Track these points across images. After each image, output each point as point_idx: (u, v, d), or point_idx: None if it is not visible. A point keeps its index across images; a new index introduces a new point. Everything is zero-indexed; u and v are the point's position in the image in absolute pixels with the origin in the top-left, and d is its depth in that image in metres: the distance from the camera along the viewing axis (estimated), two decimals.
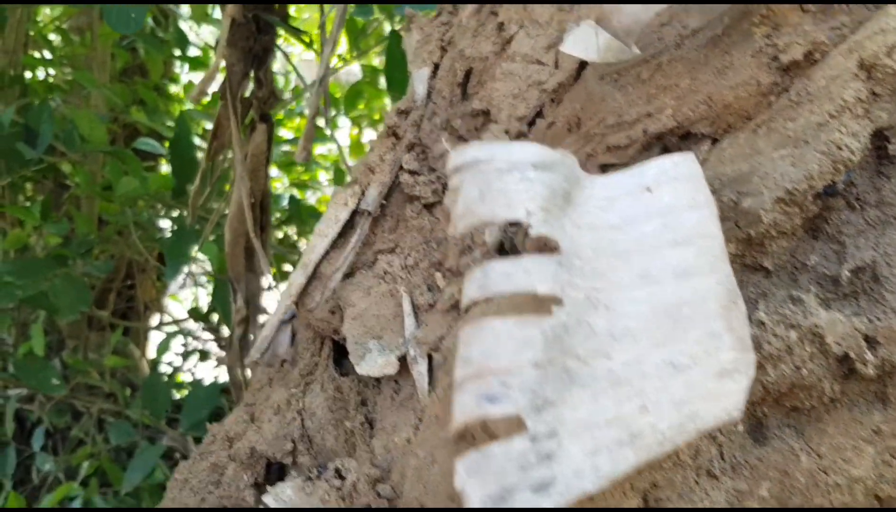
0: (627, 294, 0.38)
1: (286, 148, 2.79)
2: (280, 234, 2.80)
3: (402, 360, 0.60)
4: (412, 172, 0.66)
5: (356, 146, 2.96)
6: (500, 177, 0.34)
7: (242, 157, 1.40)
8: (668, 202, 0.41)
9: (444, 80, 0.71)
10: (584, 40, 0.53)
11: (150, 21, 2.29)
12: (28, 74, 2.36)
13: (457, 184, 0.35)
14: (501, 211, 0.33)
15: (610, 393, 0.35)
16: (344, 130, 3.05)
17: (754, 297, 0.49)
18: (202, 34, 2.22)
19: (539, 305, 0.34)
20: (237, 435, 0.72)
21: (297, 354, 0.76)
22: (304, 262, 0.68)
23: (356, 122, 2.92)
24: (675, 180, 0.42)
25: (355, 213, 0.68)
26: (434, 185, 0.66)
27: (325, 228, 0.68)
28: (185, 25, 2.33)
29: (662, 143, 0.55)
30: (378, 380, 0.64)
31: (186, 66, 2.80)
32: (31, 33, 2.09)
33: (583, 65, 0.60)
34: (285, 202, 2.83)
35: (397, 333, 0.62)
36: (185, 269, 2.25)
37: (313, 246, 0.68)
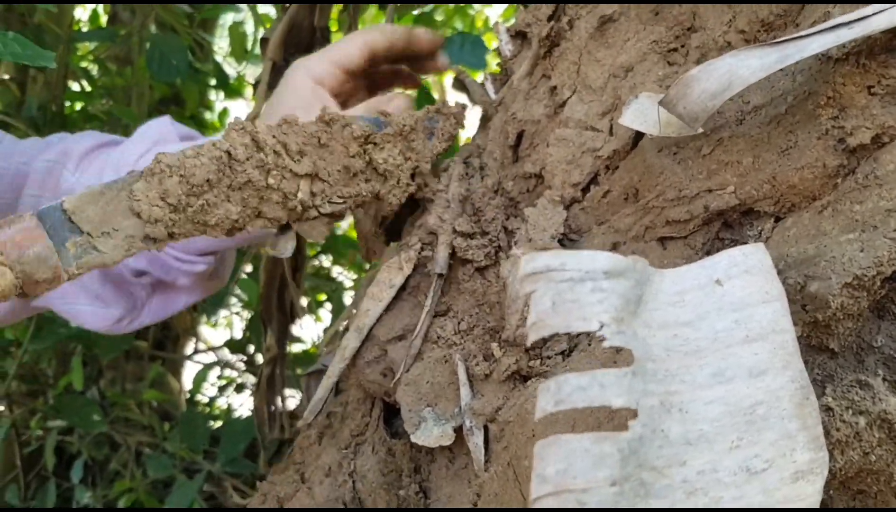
0: (701, 395, 0.37)
1: None
2: (315, 263, 2.81)
3: (458, 430, 0.60)
4: (465, 235, 0.66)
5: None
6: (572, 287, 0.34)
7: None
8: (741, 296, 0.41)
9: (496, 142, 0.72)
10: (644, 113, 0.53)
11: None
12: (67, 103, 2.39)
13: (528, 291, 0.34)
14: (575, 322, 0.33)
15: (687, 504, 0.34)
16: None
17: (820, 379, 0.48)
18: (240, 69, 2.25)
19: (615, 418, 0.33)
20: (287, 496, 0.72)
21: (348, 414, 0.76)
22: (358, 325, 0.68)
23: None
24: (747, 273, 0.41)
25: (409, 278, 0.68)
26: (487, 249, 0.66)
27: (379, 292, 0.68)
28: (219, 56, 2.36)
29: (724, 219, 0.54)
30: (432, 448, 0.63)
31: (221, 93, 2.84)
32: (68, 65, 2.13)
33: (639, 134, 0.60)
34: None
35: (452, 402, 0.62)
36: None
37: (366, 310, 0.68)
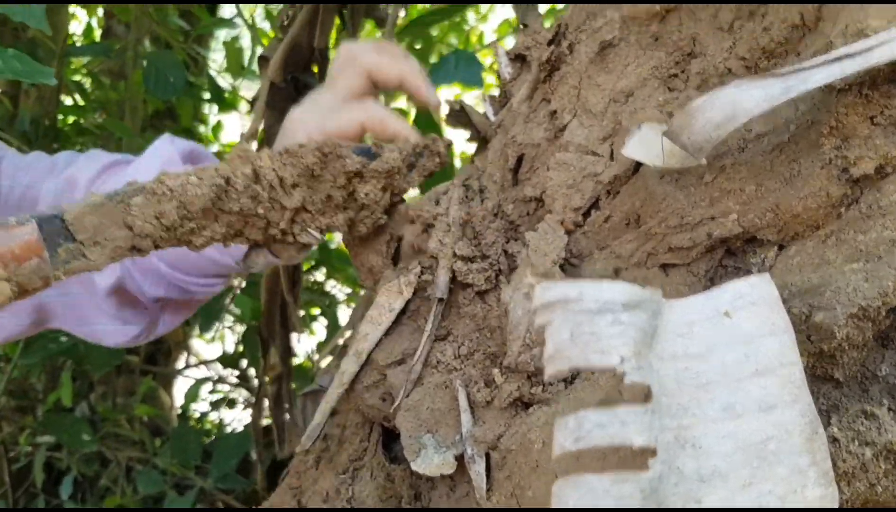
0: (714, 430, 0.37)
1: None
2: (310, 278, 2.81)
3: (459, 458, 0.59)
4: (466, 259, 0.66)
5: None
6: (591, 319, 0.34)
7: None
8: (748, 329, 0.40)
9: (496, 164, 0.72)
10: (648, 143, 0.53)
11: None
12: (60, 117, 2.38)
13: (544, 322, 0.34)
14: (595, 357, 0.33)
15: None
16: None
17: (826, 409, 0.48)
18: (235, 83, 2.25)
19: (635, 457, 0.33)
20: None
21: (346, 438, 0.75)
22: (357, 350, 0.68)
23: None
24: (753, 305, 0.41)
25: (409, 302, 0.68)
26: (487, 273, 0.66)
27: (379, 316, 0.67)
28: (213, 71, 2.35)
29: (727, 247, 0.54)
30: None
31: (215, 107, 2.83)
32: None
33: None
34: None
35: (452, 429, 0.62)
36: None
37: (365, 334, 0.68)
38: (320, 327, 3.02)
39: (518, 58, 0.73)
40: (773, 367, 0.40)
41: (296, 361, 2.60)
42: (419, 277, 0.67)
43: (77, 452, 2.11)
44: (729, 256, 0.55)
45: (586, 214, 0.64)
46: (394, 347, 0.68)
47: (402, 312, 0.69)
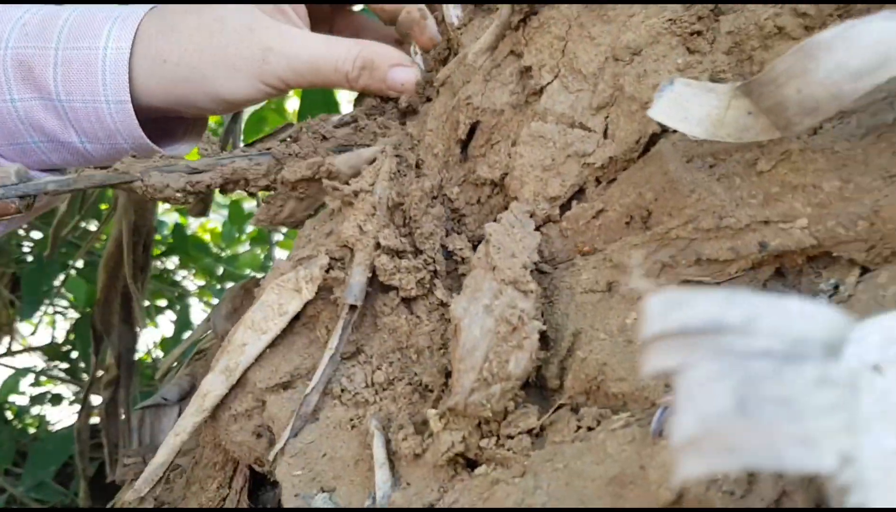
0: None
1: None
2: (158, 264, 2.52)
3: None
4: (392, 252, 0.48)
5: None
6: (777, 372, 0.17)
7: None
8: None
9: (438, 133, 0.54)
10: (687, 105, 0.37)
11: None
12: None
13: (669, 367, 0.17)
14: (794, 452, 0.16)
15: None
16: None
17: None
18: None
19: None
20: None
21: (197, 479, 0.55)
22: (228, 365, 0.48)
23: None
24: None
25: (308, 305, 0.49)
26: (420, 273, 0.48)
27: (263, 321, 0.48)
28: None
29: (780, 263, 0.39)
30: None
31: None
32: None
33: (652, 137, 0.44)
34: (167, 230, 2.56)
35: (360, 487, 0.44)
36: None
37: (242, 343, 0.48)
38: (165, 321, 2.73)
39: None
40: None
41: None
42: (326, 271, 0.49)
43: None
44: (777, 278, 0.40)
45: (565, 207, 0.47)
46: (280, 365, 0.49)
47: (297, 317, 0.50)
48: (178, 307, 2.44)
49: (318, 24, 0.64)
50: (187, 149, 0.65)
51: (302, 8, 0.61)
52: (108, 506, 0.68)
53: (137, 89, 0.57)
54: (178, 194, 0.52)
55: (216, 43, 0.56)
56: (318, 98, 1.13)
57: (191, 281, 2.81)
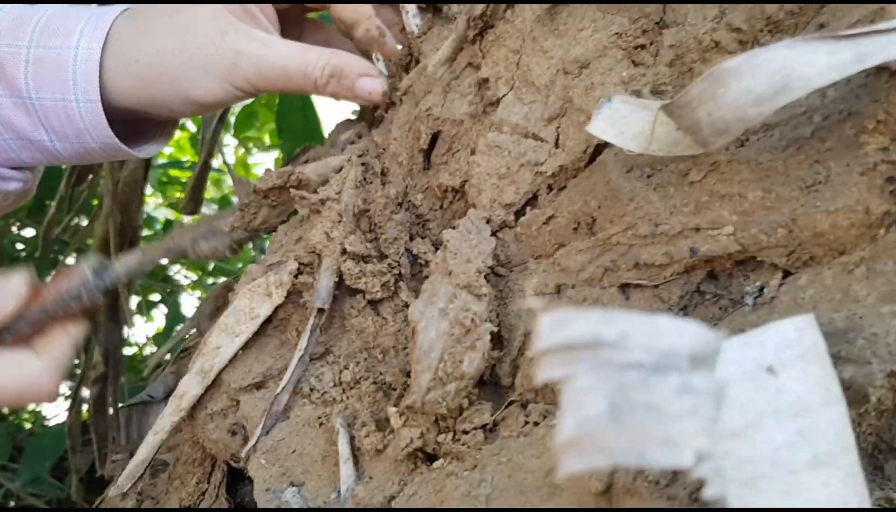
0: None
1: (162, 161, 2.54)
2: None
3: None
4: (358, 257, 0.51)
5: (241, 167, 2.73)
6: (645, 381, 0.20)
7: (113, 184, 1.19)
8: (799, 394, 0.28)
9: (402, 142, 0.56)
10: (621, 121, 0.40)
11: None
12: None
13: (558, 379, 0.20)
14: (656, 452, 0.19)
15: None
16: (229, 148, 2.84)
17: None
18: None
19: None
20: None
21: (178, 475, 0.58)
22: (203, 367, 0.51)
23: (243, 142, 2.72)
24: (802, 358, 0.28)
25: (279, 309, 0.52)
26: (385, 277, 0.51)
27: (236, 324, 0.51)
28: None
29: (711, 268, 0.42)
30: None
31: None
32: None
33: (598, 147, 0.46)
34: (158, 224, 2.57)
35: (327, 482, 0.46)
36: None
37: (216, 346, 0.51)
38: (159, 315, 2.74)
39: (430, 7, 0.58)
40: (833, 453, 0.27)
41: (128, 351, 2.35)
42: (294, 276, 0.51)
43: None
44: (710, 281, 0.42)
45: (520, 213, 0.50)
46: (252, 366, 0.52)
47: (268, 320, 0.52)
48: (170, 303, 2.46)
49: (288, 31, 0.66)
50: (156, 149, 0.66)
51: (272, 13, 0.62)
52: (98, 501, 0.71)
53: (108, 89, 0.58)
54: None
55: (188, 45, 0.58)
56: (297, 100, 1.15)
57: (183, 276, 2.82)
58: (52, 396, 0.51)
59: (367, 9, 0.60)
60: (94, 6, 0.61)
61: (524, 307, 0.42)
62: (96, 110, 0.57)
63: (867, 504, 0.28)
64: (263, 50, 0.58)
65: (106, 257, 1.17)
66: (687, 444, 0.19)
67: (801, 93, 0.30)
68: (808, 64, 0.30)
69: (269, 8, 0.62)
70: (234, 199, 2.46)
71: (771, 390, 0.27)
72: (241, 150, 2.81)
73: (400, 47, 0.61)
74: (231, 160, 2.80)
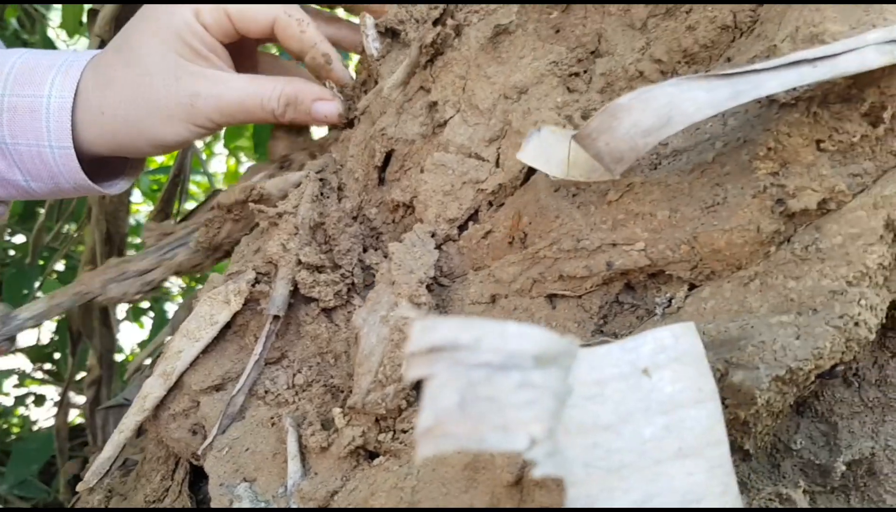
0: None
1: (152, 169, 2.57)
2: None
3: None
4: (312, 267, 0.54)
5: (233, 177, 2.77)
6: (490, 378, 0.23)
7: (100, 195, 1.22)
8: (670, 393, 0.31)
9: (358, 159, 0.60)
10: (549, 149, 0.44)
11: (14, 22, 2.06)
12: None
13: (422, 377, 0.23)
14: (494, 437, 0.22)
15: None
16: (220, 157, 2.87)
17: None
18: (72, 45, 2.01)
19: None
20: None
21: (144, 473, 0.61)
22: (165, 370, 0.54)
23: (234, 152, 2.75)
24: (677, 361, 0.32)
25: (238, 315, 0.55)
26: (338, 286, 0.54)
27: (197, 330, 0.54)
28: (53, 33, 2.10)
29: (627, 280, 0.45)
30: None
31: None
32: None
33: (532, 168, 0.50)
34: None
35: (276, 478, 0.50)
36: None
37: (178, 350, 0.54)
38: (149, 321, 2.77)
39: (388, 32, 0.62)
40: (699, 446, 0.31)
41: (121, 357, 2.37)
42: (252, 285, 0.55)
43: None
44: (627, 292, 0.46)
45: (462, 227, 0.54)
46: (212, 369, 0.55)
47: (228, 326, 0.56)
48: (156, 309, 2.49)
49: (243, 68, 0.68)
50: (127, 184, 0.69)
51: (223, 52, 0.64)
52: (73, 500, 0.74)
53: (80, 138, 0.62)
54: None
55: (146, 95, 0.61)
56: None
57: (170, 282, 2.85)
58: None
59: (312, 38, 0.63)
60: (62, 53, 0.64)
61: (398, 315, 0.45)
62: (69, 156, 0.61)
63: (733, 493, 0.31)
64: (218, 88, 0.61)
65: (94, 263, 1.20)
66: (521, 430, 0.23)
67: (682, 126, 0.34)
68: (689, 100, 0.34)
69: (220, 47, 0.64)
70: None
71: (644, 390, 0.31)
72: (232, 160, 2.84)
73: (352, 72, 0.65)
74: (222, 169, 2.84)
